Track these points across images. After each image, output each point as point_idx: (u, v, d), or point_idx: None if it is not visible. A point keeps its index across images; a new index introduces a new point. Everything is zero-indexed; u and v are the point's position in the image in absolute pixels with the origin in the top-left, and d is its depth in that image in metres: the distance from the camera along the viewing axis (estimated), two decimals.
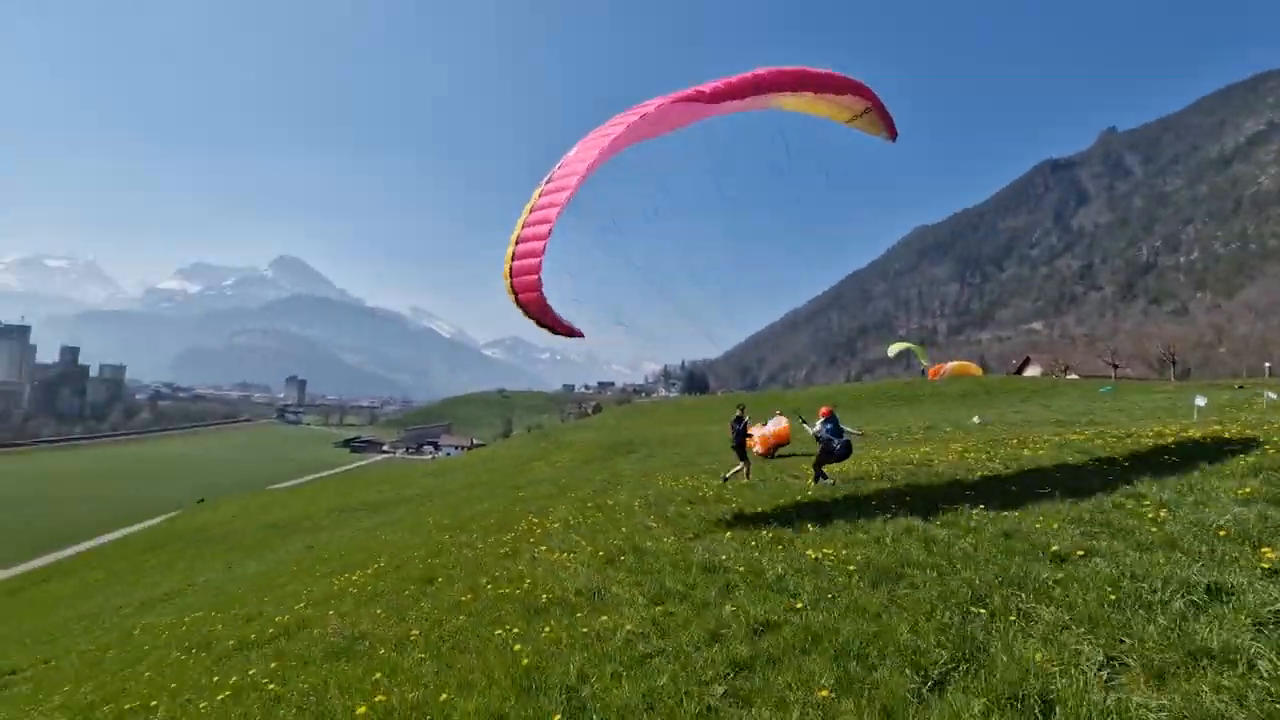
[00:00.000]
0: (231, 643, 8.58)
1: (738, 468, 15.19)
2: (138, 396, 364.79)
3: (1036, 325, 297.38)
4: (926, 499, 8.91)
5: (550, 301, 8.10)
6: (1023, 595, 4.94)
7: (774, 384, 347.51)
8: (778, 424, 21.97)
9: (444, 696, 4.64)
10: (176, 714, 5.96)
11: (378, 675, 5.44)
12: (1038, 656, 3.94)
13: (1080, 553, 5.60)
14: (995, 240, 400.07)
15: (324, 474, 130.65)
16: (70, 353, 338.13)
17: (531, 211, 8.36)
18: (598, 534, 10.43)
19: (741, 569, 6.74)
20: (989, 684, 3.76)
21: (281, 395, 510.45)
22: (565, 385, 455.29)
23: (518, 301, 8.23)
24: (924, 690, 3.83)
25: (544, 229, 8.03)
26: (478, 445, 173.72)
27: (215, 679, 6.87)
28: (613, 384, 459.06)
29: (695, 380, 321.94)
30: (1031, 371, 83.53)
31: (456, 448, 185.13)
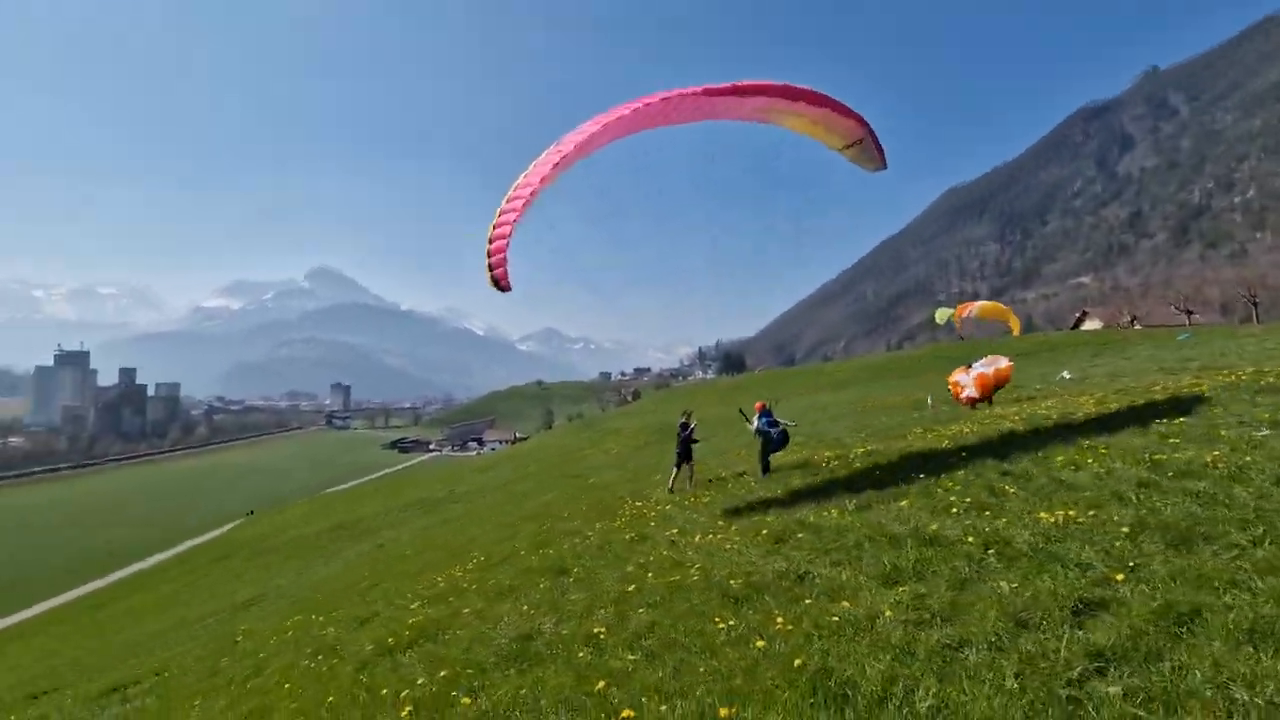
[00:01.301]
0: (369, 648, 8.26)
1: (674, 473, 14.63)
2: (193, 412, 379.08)
3: (1085, 279, 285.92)
4: None
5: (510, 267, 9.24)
6: None
7: (812, 358, 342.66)
8: (996, 362, 18.63)
9: (728, 711, 3.72)
10: None
11: (600, 684, 4.61)
12: None
13: None
14: (1034, 194, 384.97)
15: (376, 475, 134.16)
16: (128, 374, 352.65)
17: (513, 189, 9.33)
18: (733, 512, 9.95)
19: (971, 540, 5.77)
20: None
21: (328, 402, 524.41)
22: (602, 373, 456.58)
23: (490, 269, 9.26)
24: None
25: (518, 202, 9.11)
26: (521, 439, 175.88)
27: (381, 691, 6.20)
28: (648, 369, 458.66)
29: (731, 360, 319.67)
30: (1090, 325, 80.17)
31: (501, 442, 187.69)
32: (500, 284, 9.28)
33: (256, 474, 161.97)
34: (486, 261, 9.27)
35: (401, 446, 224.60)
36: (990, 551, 5.44)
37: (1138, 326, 67.09)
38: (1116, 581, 4.22)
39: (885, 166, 11.45)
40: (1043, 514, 6.08)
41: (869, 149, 10.95)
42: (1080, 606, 4.02)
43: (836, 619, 4.72)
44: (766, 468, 13.18)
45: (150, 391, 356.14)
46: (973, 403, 18.38)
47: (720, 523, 9.56)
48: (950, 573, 5.19)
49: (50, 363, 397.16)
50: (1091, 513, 5.82)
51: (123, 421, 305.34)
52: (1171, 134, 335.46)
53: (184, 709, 9.60)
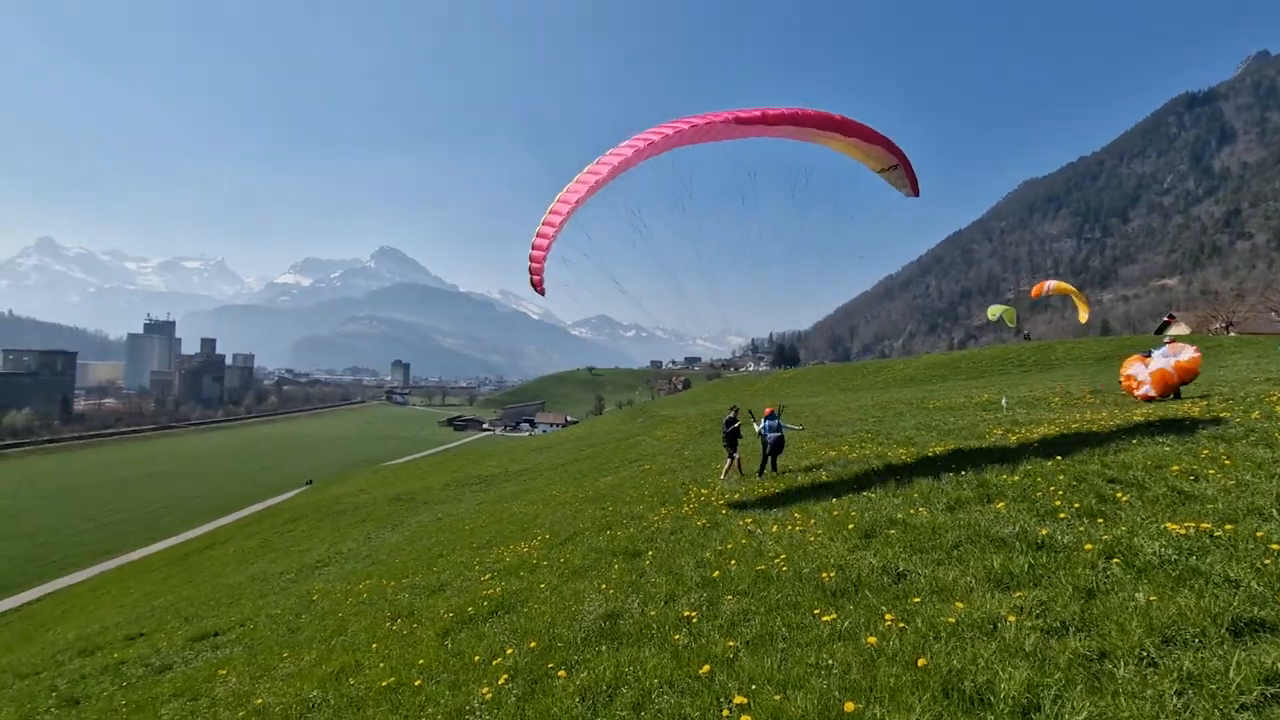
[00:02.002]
0: (450, 615, 8.53)
1: (727, 464, 15.15)
2: (265, 382, 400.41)
3: (1170, 281, 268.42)
4: None
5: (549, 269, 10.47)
6: None
7: (868, 354, 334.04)
8: (1180, 353, 16.66)
9: (854, 707, 3.58)
10: (460, 704, 5.04)
11: (704, 668, 4.49)
12: None
13: None
14: (1118, 189, 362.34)
15: (433, 451, 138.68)
16: (209, 344, 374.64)
17: (564, 192, 10.17)
18: (807, 505, 9.77)
19: (1090, 547, 5.39)
20: None
21: (389, 378, 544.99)
22: (653, 361, 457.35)
23: (530, 269, 10.44)
24: None
25: (556, 218, 10.10)
26: (571, 422, 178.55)
27: (473, 657, 6.25)
28: (699, 359, 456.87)
29: (785, 353, 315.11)
30: (1176, 330, 75.04)
31: (552, 425, 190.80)
32: (537, 288, 10.63)
33: (323, 443, 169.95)
34: (528, 266, 10.48)
35: (457, 425, 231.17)
36: (1114, 561, 5.08)
37: (1233, 334, 62.42)
38: None
39: (917, 194, 12.33)
40: (1170, 525, 5.65)
41: (902, 176, 11.86)
42: (1240, 626, 3.69)
43: (954, 620, 4.47)
44: (762, 469, 14.10)
45: (228, 361, 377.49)
46: (1149, 400, 16.47)
47: (796, 515, 9.36)
48: (1073, 580, 4.85)
49: (140, 330, 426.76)
50: (1229, 527, 5.38)
51: (203, 388, 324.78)
52: None
53: (272, 659, 10.11)
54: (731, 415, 15.34)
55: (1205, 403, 14.41)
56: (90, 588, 44.10)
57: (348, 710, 6.08)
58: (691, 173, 11.01)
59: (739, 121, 9.90)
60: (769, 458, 13.92)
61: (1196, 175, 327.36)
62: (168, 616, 20.44)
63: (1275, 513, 5.70)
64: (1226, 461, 7.72)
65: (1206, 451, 8.39)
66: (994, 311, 75.24)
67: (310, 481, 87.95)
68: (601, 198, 10.52)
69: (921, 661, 3.93)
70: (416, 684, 6.08)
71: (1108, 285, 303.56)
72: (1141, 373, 16.98)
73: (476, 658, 6.20)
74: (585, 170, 10.16)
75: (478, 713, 4.72)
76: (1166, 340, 17.92)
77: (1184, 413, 12.84)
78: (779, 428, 13.58)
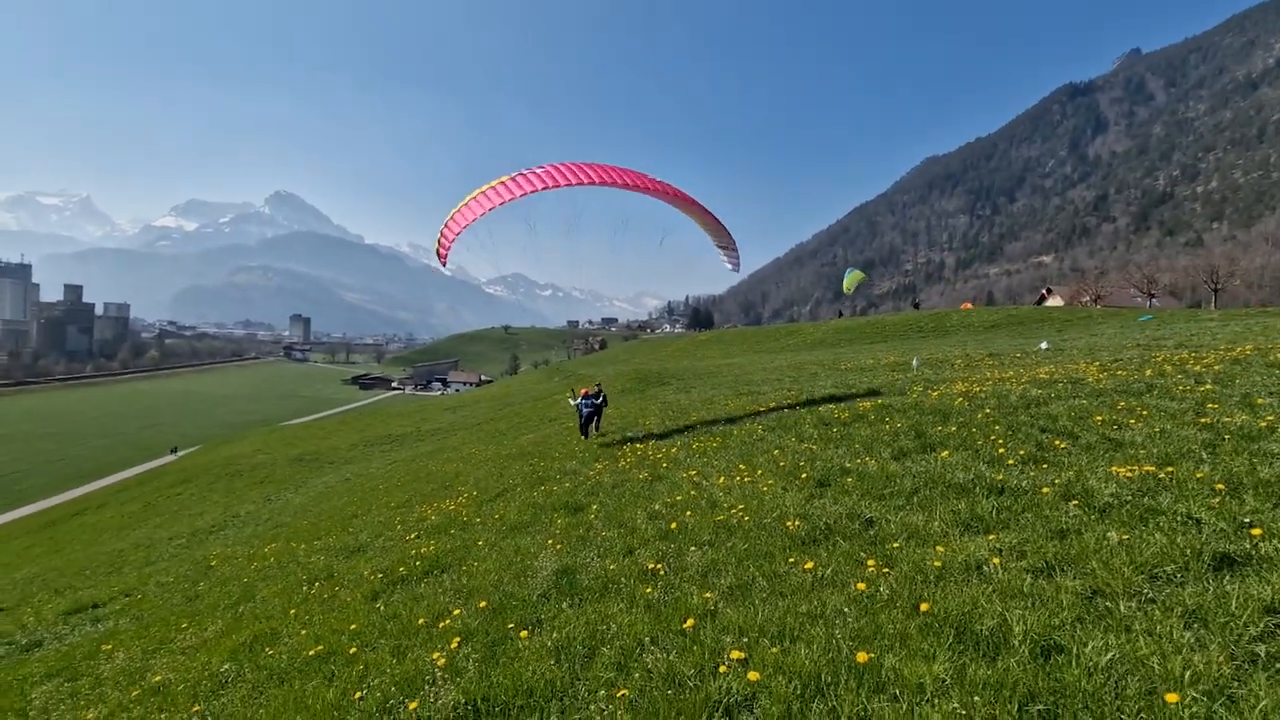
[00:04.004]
0: (378, 577, 7.80)
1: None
2: (143, 335, 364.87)
3: (1046, 258, 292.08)
4: None
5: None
6: None
7: (778, 319, 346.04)
8: None
9: (866, 657, 3.37)
10: (410, 671, 4.56)
11: (688, 621, 4.20)
12: None
13: None
14: (1008, 170, 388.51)
15: (337, 410, 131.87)
16: (74, 291, 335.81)
17: (478, 193, 12.46)
18: (750, 457, 9.66)
19: (1046, 490, 5.47)
20: None
21: (286, 333, 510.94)
22: (570, 321, 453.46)
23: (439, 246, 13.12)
24: None
25: (466, 217, 12.49)
26: (486, 381, 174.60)
27: (418, 620, 5.74)
28: (615, 320, 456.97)
29: (700, 316, 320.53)
30: (1053, 302, 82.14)
31: (466, 384, 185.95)
32: (441, 261, 13.17)
33: (213, 401, 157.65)
34: (435, 246, 13.17)
35: (363, 383, 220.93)
36: (1072, 503, 5.20)
37: (1099, 306, 68.93)
38: (1254, 536, 3.99)
39: (737, 270, 15.92)
40: (1115, 468, 5.87)
41: (731, 255, 15.32)
42: (1219, 561, 3.78)
43: (939, 565, 4.38)
44: (585, 433, 16.77)
45: (98, 311, 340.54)
46: None
47: (741, 466, 9.26)
48: (1041, 522, 4.92)
49: None
50: (1169, 469, 5.63)
51: (68, 340, 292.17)
52: (1145, 119, 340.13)
53: (168, 631, 9.08)
54: (597, 389, 17.09)
55: (1098, 364, 15.55)
56: None
57: (269, 684, 5.39)
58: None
59: (625, 177, 12.70)
60: (584, 425, 16.84)
61: (1074, 161, 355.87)
62: (33, 589, 18.27)
63: (1205, 455, 6.03)
64: (1143, 413, 8.21)
65: (1122, 404, 8.91)
66: (849, 283, 78.32)
67: (175, 450, 77.25)
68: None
69: (924, 607, 3.78)
70: (351, 651, 5.45)
71: (994, 260, 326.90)
72: None
73: (420, 620, 5.63)
74: (497, 183, 12.33)
75: (436, 681, 4.21)
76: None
77: (1083, 372, 13.76)
78: (595, 403, 16.65)
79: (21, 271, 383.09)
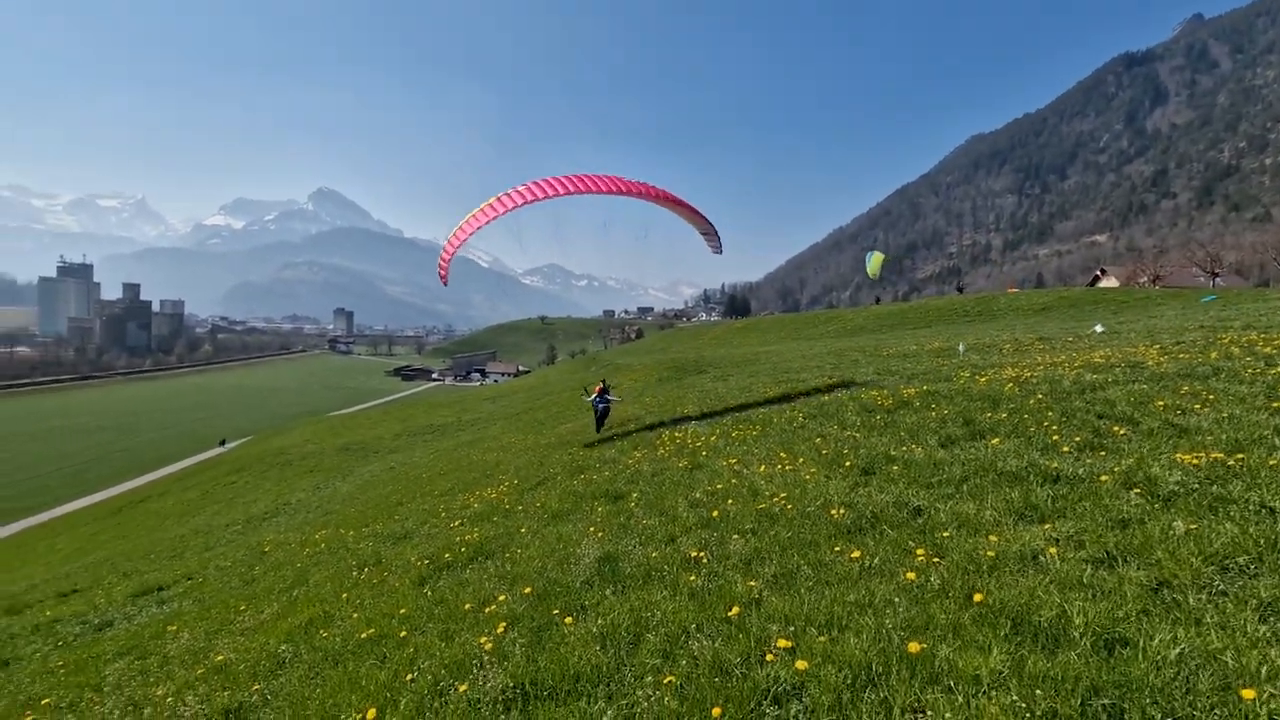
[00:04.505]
0: (424, 563, 8.01)
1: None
2: (197, 330, 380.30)
3: (1100, 238, 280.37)
4: None
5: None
6: None
7: (816, 305, 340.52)
8: None
9: (918, 647, 3.29)
10: (459, 655, 4.61)
11: (734, 609, 4.18)
12: None
13: None
14: (1059, 146, 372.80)
15: (380, 401, 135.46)
16: (132, 289, 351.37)
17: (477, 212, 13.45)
18: (791, 444, 9.57)
19: (1106, 479, 5.23)
20: None
21: (331, 326, 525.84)
22: (606, 311, 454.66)
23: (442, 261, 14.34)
24: None
25: (463, 233, 13.72)
26: (524, 372, 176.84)
27: (464, 605, 5.81)
28: (651, 309, 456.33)
29: (736, 303, 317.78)
30: (1107, 284, 78.69)
31: (504, 374, 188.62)
32: (441, 279, 14.33)
33: (263, 393, 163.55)
34: (439, 259, 14.27)
35: (405, 374, 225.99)
36: (1134, 491, 4.99)
37: (1158, 286, 65.81)
38: None
39: (719, 253, 16.86)
40: (1180, 456, 5.60)
41: (712, 240, 16.35)
42: None
43: (993, 555, 4.24)
44: (599, 429, 17.35)
45: (155, 308, 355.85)
46: None
47: (782, 454, 9.16)
48: (1100, 511, 4.73)
49: (53, 274, 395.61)
50: (1239, 456, 5.35)
51: (128, 336, 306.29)
52: (1209, 89, 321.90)
53: (228, 613, 9.47)
54: (602, 386, 17.70)
55: (1158, 346, 14.86)
56: (13, 545, 41.63)
57: (325, 665, 5.58)
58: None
59: (617, 184, 13.66)
60: (598, 422, 17.51)
61: (1130, 135, 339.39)
62: (104, 572, 19.30)
63: (1278, 441, 5.71)
64: (1210, 397, 7.81)
65: (1186, 388, 8.50)
66: (874, 266, 74.24)
67: (224, 442, 79.31)
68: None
69: (978, 597, 3.66)
70: (401, 634, 5.60)
71: (1044, 241, 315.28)
72: None
73: (466, 605, 5.75)
74: (494, 199, 13.19)
75: (484, 665, 4.30)
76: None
77: (1142, 356, 13.17)
78: (607, 398, 17.32)
79: (84, 271, 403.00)
